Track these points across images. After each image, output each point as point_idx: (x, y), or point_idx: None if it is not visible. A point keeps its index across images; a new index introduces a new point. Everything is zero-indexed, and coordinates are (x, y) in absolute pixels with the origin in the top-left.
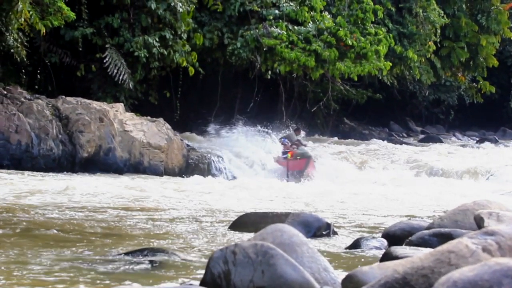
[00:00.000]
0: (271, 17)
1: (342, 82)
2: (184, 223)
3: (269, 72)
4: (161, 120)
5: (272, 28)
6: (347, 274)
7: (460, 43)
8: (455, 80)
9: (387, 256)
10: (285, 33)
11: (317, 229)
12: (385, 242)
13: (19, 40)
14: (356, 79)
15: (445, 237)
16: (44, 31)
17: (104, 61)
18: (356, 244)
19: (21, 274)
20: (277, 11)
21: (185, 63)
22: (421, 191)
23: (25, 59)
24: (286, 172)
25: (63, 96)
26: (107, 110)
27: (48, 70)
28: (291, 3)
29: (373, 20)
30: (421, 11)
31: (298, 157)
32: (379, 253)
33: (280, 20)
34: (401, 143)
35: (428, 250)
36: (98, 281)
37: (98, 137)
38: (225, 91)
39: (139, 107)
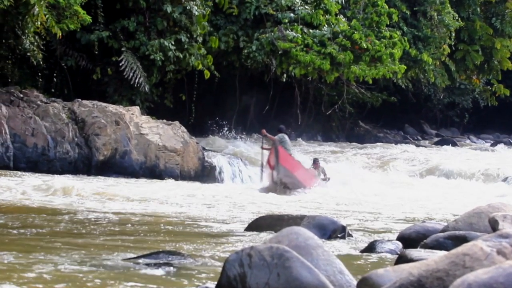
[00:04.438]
0: (286, 21)
1: (357, 85)
2: (199, 226)
3: (284, 75)
4: (176, 123)
5: (287, 31)
6: (362, 276)
7: (475, 46)
8: (470, 83)
9: (402, 259)
10: (300, 36)
11: (333, 231)
12: (400, 244)
13: (36, 43)
14: (371, 82)
15: (460, 240)
16: (60, 34)
17: (120, 64)
18: (371, 247)
19: (37, 276)
20: (292, 15)
21: (200, 66)
22: (436, 193)
23: (41, 63)
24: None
25: (79, 99)
26: (123, 113)
27: (64, 73)
28: (306, 7)
29: (388, 23)
30: (435, 14)
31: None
32: (394, 256)
33: (295, 23)
34: (416, 146)
35: (443, 252)
36: (113, 284)
37: (114, 140)
38: (241, 95)
39: (154, 110)
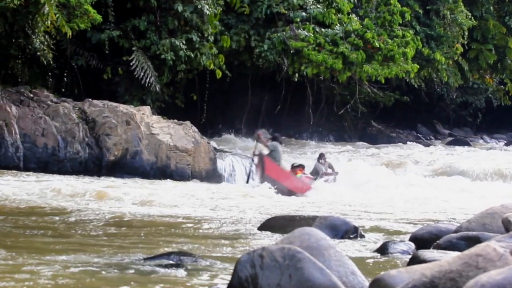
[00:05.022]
0: (298, 20)
1: (369, 84)
2: (210, 227)
3: (296, 74)
4: (188, 123)
5: (299, 31)
6: (375, 277)
7: (488, 45)
8: (483, 83)
9: (415, 260)
10: (312, 35)
11: (345, 232)
12: (412, 245)
13: (46, 43)
14: (383, 81)
15: (473, 241)
16: (71, 33)
17: (131, 64)
18: (383, 248)
19: (50, 276)
20: (304, 13)
21: (212, 66)
22: (449, 194)
23: (51, 62)
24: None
25: (90, 99)
26: (133, 113)
27: (75, 73)
28: (318, 5)
29: (401, 22)
30: (448, 13)
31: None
32: (407, 257)
33: (307, 23)
34: (429, 145)
35: (456, 253)
36: (125, 285)
37: (125, 140)
38: (252, 94)
39: (165, 110)
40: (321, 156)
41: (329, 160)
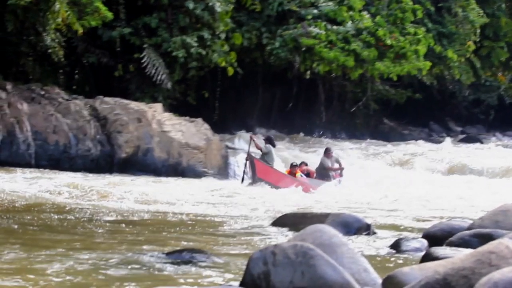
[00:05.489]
0: (310, 17)
1: (381, 82)
2: (222, 224)
3: (308, 72)
4: (199, 120)
5: (311, 28)
6: (388, 275)
7: (500, 42)
8: (495, 80)
9: (428, 257)
10: (324, 32)
11: (357, 229)
12: (425, 242)
13: (57, 40)
14: (395, 79)
15: (486, 238)
16: (82, 31)
17: (142, 61)
18: (396, 245)
19: (61, 272)
20: (315, 11)
21: (223, 63)
22: (461, 191)
23: (62, 59)
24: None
25: (101, 97)
26: (145, 110)
27: (86, 70)
28: (330, 3)
29: (412, 19)
30: (460, 10)
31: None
32: (420, 254)
33: (319, 20)
34: (441, 143)
35: (468, 251)
36: (138, 282)
37: (137, 137)
38: (264, 92)
39: (177, 108)
40: (327, 150)
41: (335, 155)
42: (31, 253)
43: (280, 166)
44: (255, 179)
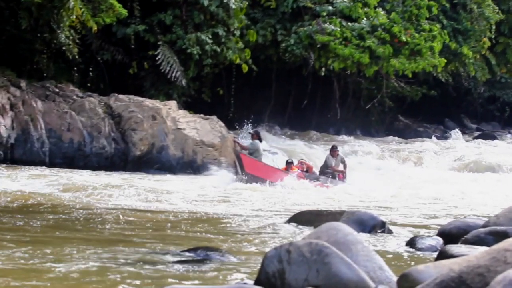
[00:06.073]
0: (325, 14)
1: (396, 79)
2: (237, 222)
3: (323, 69)
4: (214, 117)
5: (326, 25)
6: (403, 273)
7: None
8: (510, 77)
9: (443, 255)
10: (338, 29)
11: (372, 227)
12: (440, 240)
13: (71, 37)
14: (410, 75)
15: (501, 236)
16: (96, 28)
17: (157, 58)
18: (411, 243)
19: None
20: (330, 8)
21: (238, 60)
22: (476, 188)
23: (77, 57)
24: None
25: (116, 94)
26: (159, 107)
27: (100, 67)
28: (345, 0)
29: (428, 16)
30: (475, 7)
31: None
32: (435, 252)
33: (334, 17)
34: (455, 140)
35: (484, 248)
36: (153, 279)
37: (151, 135)
38: (279, 89)
39: (192, 105)
40: (333, 148)
41: (341, 154)
42: (48, 251)
43: (282, 161)
44: (244, 175)
